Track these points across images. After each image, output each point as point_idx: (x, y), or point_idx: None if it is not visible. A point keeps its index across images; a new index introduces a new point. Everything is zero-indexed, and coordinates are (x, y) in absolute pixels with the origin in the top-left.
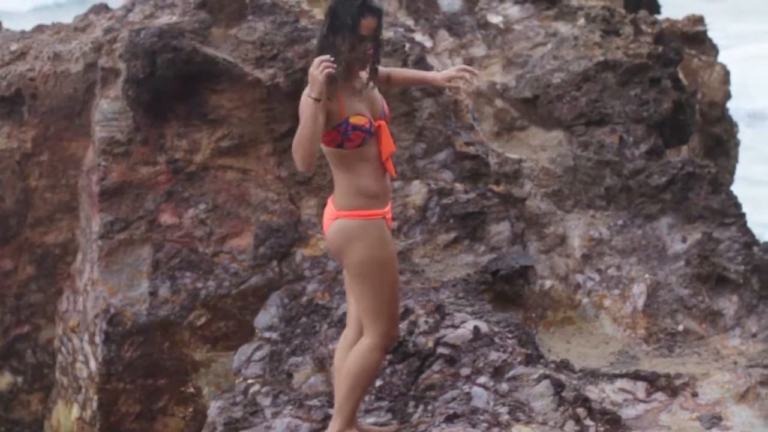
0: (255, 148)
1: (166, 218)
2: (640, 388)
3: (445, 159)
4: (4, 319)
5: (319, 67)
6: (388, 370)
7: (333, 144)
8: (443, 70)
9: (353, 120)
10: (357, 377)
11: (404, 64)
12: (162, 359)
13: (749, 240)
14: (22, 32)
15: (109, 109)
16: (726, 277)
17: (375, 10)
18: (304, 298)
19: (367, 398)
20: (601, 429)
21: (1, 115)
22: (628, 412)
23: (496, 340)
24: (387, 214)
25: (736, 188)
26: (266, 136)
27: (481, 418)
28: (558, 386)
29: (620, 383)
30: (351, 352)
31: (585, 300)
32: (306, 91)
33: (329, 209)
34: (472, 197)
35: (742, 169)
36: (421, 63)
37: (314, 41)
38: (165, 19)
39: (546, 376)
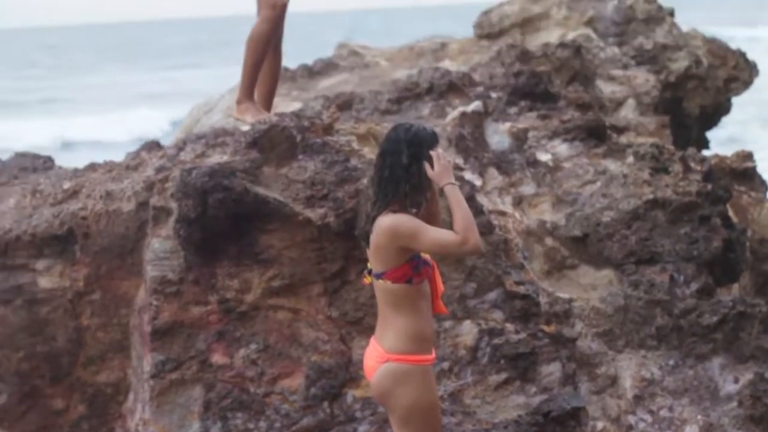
0: (305, 288)
1: (217, 358)
2: None
3: (495, 299)
4: None
5: (442, 159)
6: None
7: (402, 279)
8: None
9: (423, 254)
10: None
11: None
12: None
13: None
14: (75, 170)
15: (160, 248)
16: None
17: None
18: None
19: None
20: None
21: (53, 254)
22: None
23: None
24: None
25: None
26: (317, 275)
27: None
28: None
29: None
30: None
31: None
32: (445, 181)
33: (376, 351)
34: (523, 337)
35: None
36: (470, 201)
37: (364, 180)
38: (216, 158)
39: None
